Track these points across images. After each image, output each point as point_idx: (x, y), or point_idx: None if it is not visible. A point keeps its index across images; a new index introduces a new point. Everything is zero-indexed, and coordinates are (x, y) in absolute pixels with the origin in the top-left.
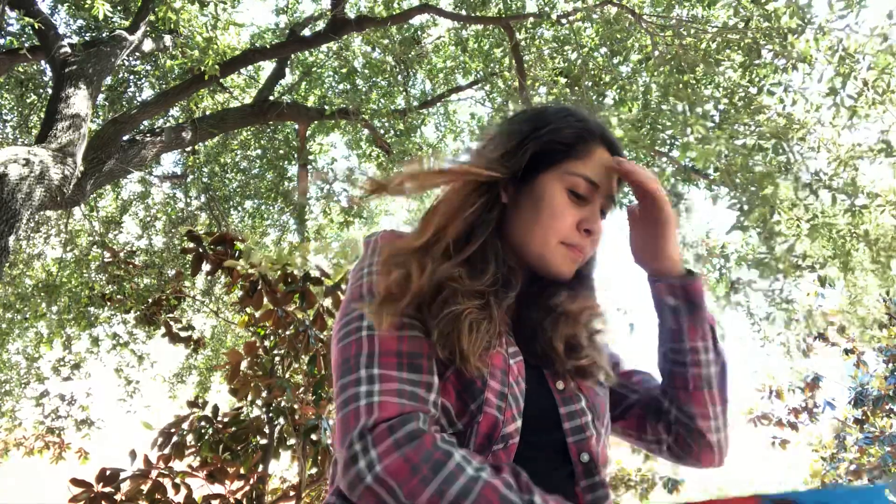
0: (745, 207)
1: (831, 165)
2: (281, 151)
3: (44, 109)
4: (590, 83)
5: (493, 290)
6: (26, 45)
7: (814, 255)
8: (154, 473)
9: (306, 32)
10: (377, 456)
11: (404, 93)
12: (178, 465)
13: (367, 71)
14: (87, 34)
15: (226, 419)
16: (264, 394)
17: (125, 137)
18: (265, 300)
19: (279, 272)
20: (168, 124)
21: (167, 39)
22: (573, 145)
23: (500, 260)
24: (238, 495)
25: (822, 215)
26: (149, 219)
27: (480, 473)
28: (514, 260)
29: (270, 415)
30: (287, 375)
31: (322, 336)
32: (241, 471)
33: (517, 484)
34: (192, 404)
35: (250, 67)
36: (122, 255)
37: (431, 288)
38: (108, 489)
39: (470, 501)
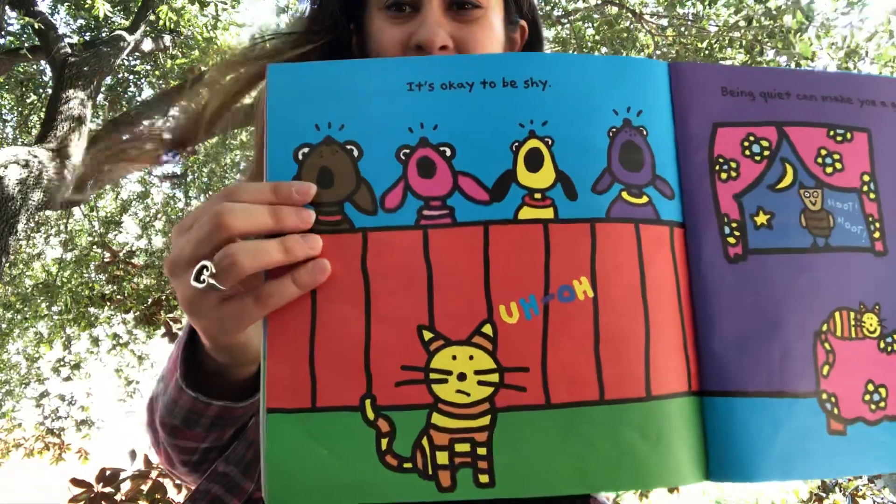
0: None
1: None
2: None
3: (44, 109)
4: None
5: None
6: (26, 45)
7: None
8: (154, 473)
9: None
10: None
11: None
12: None
13: None
14: (87, 34)
15: None
16: None
17: (125, 137)
18: None
19: None
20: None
21: (167, 39)
22: None
23: None
24: None
25: None
26: (148, 219)
27: None
28: None
29: None
30: None
31: None
32: None
33: None
34: None
35: None
36: (121, 255)
37: None
38: (108, 489)
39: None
